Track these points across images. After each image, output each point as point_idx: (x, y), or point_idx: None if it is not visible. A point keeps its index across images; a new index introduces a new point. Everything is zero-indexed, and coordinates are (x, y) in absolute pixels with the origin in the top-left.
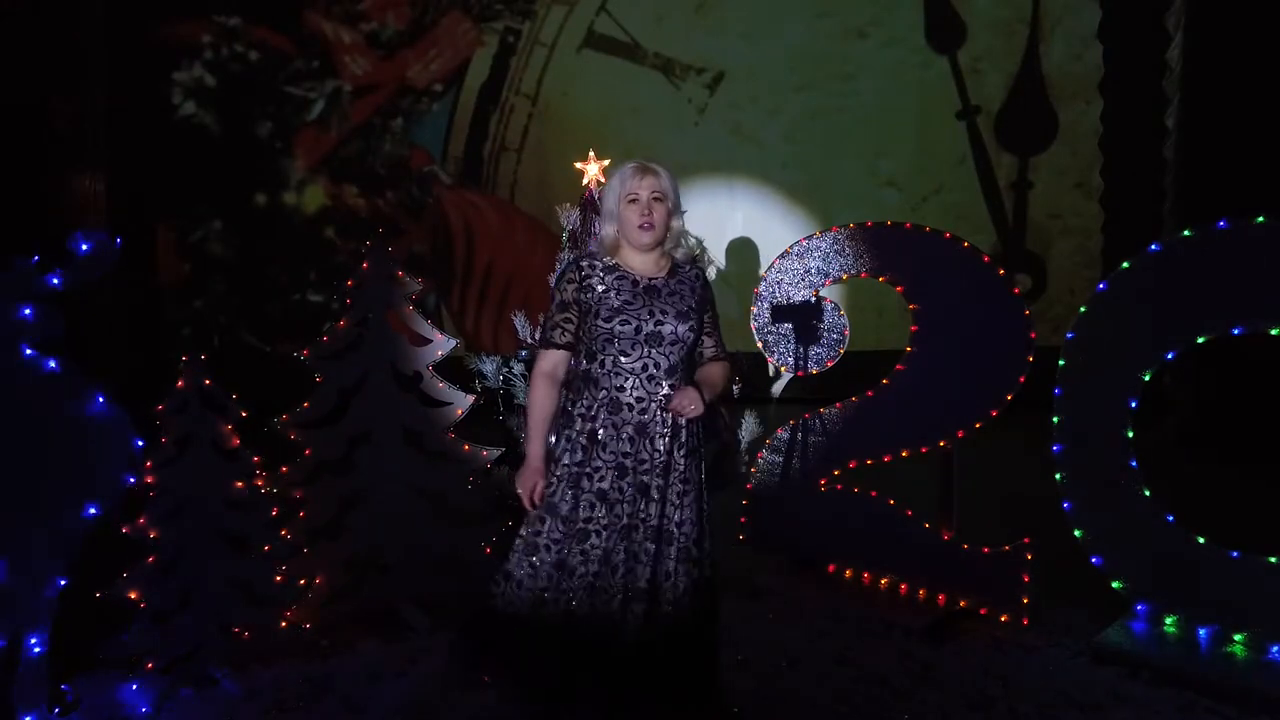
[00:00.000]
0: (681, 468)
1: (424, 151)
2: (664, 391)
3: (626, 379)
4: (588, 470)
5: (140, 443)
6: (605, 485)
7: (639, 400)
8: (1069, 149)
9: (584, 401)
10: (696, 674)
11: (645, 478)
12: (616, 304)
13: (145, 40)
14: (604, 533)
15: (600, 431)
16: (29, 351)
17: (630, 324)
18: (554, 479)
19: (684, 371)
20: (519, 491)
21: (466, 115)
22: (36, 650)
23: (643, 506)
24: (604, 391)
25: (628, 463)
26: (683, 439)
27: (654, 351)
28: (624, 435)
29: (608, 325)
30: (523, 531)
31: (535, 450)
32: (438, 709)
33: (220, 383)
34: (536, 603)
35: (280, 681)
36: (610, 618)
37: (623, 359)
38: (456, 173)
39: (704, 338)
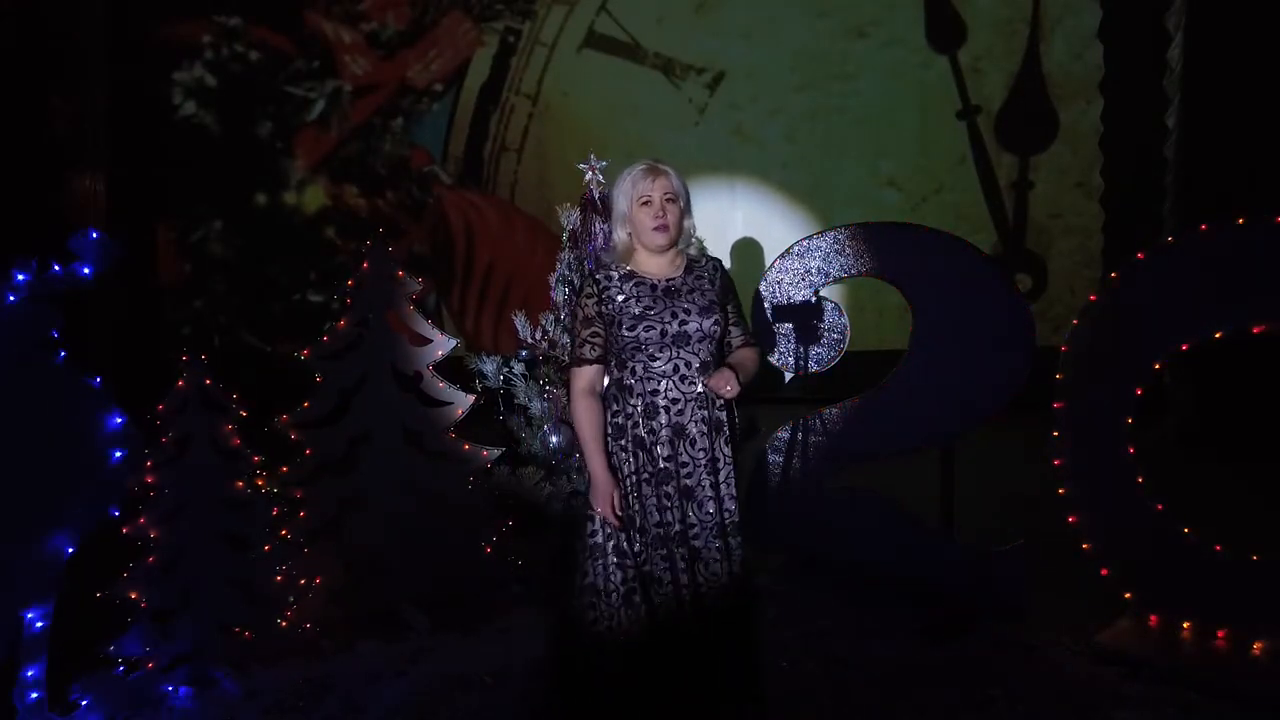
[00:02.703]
0: (728, 457)
1: (424, 151)
2: (698, 390)
3: (660, 382)
4: (644, 476)
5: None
6: (658, 490)
7: (674, 402)
8: (1069, 149)
9: (625, 411)
10: (746, 657)
11: (689, 480)
12: (638, 311)
13: (145, 40)
14: (665, 543)
15: (646, 437)
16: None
17: (655, 328)
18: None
19: (716, 365)
20: (597, 511)
21: (467, 115)
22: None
23: (693, 509)
24: (639, 398)
25: (670, 466)
26: (726, 431)
27: (683, 351)
28: (662, 438)
29: (633, 334)
30: (603, 544)
31: (598, 465)
32: (438, 709)
33: (220, 383)
34: (625, 603)
35: (280, 681)
36: (684, 619)
37: (653, 364)
38: (457, 173)
39: (731, 327)
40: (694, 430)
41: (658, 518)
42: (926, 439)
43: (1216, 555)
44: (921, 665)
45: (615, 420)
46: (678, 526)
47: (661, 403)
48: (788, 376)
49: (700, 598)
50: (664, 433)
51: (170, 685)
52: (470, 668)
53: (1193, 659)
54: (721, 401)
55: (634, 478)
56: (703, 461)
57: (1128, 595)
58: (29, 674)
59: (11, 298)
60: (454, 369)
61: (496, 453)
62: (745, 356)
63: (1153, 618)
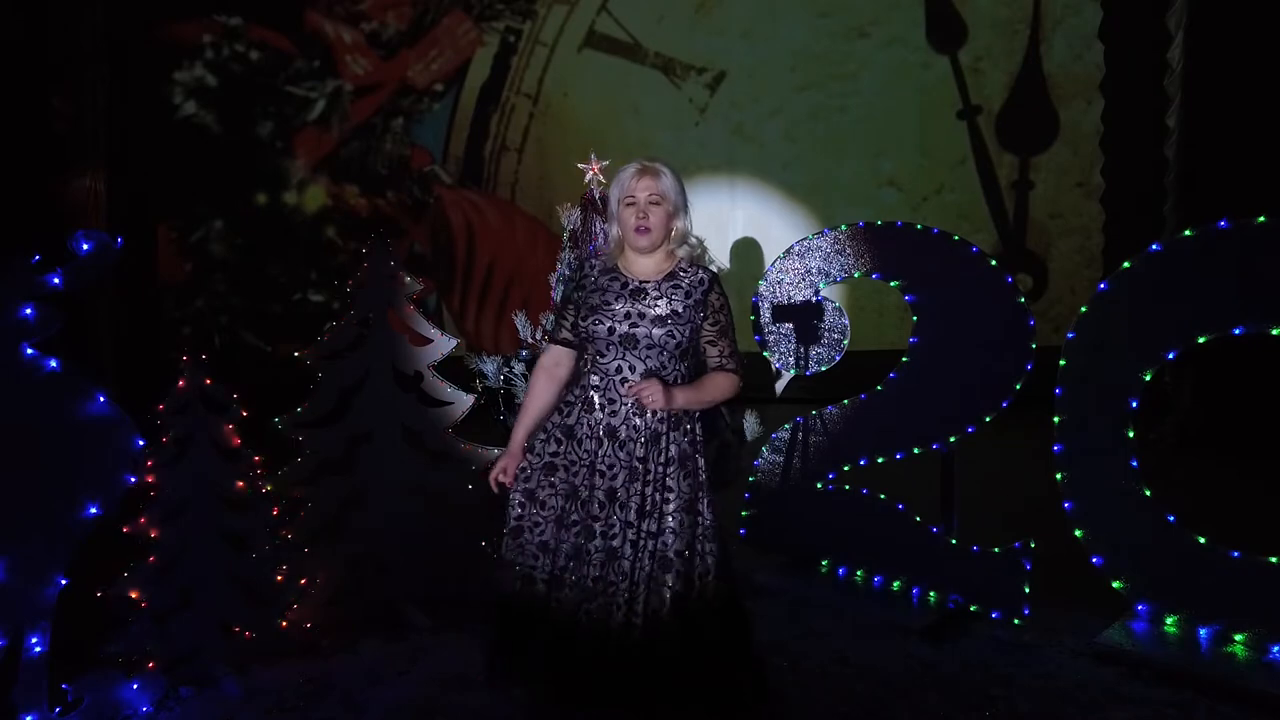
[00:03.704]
0: (660, 476)
1: (425, 151)
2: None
3: (600, 379)
4: (563, 462)
5: (141, 442)
6: (577, 481)
7: (610, 402)
8: (1070, 148)
9: (569, 396)
10: (696, 684)
11: (614, 482)
12: (595, 303)
13: (145, 40)
14: (577, 527)
15: (576, 428)
16: (30, 351)
17: (603, 324)
18: (529, 465)
19: (678, 378)
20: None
21: (467, 115)
22: (37, 650)
23: (617, 511)
24: (581, 389)
25: (599, 465)
26: (663, 445)
27: (629, 354)
28: (596, 435)
29: (584, 324)
30: (507, 515)
31: (515, 436)
32: (438, 709)
33: (220, 383)
34: (527, 580)
35: (280, 681)
36: (592, 614)
37: (599, 359)
38: (457, 172)
39: (707, 346)
40: (625, 435)
41: (573, 504)
42: (926, 439)
43: (1217, 554)
44: (921, 665)
45: (561, 401)
46: (590, 524)
47: (598, 400)
48: (788, 375)
49: (608, 593)
50: (598, 430)
51: (170, 685)
52: (470, 668)
53: (1193, 659)
54: (661, 415)
55: (549, 458)
56: (630, 467)
57: (1127, 595)
58: (29, 672)
59: None
60: (454, 369)
61: (496, 453)
62: (710, 379)
63: (1152, 617)
